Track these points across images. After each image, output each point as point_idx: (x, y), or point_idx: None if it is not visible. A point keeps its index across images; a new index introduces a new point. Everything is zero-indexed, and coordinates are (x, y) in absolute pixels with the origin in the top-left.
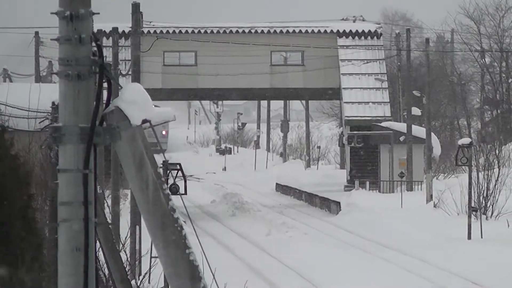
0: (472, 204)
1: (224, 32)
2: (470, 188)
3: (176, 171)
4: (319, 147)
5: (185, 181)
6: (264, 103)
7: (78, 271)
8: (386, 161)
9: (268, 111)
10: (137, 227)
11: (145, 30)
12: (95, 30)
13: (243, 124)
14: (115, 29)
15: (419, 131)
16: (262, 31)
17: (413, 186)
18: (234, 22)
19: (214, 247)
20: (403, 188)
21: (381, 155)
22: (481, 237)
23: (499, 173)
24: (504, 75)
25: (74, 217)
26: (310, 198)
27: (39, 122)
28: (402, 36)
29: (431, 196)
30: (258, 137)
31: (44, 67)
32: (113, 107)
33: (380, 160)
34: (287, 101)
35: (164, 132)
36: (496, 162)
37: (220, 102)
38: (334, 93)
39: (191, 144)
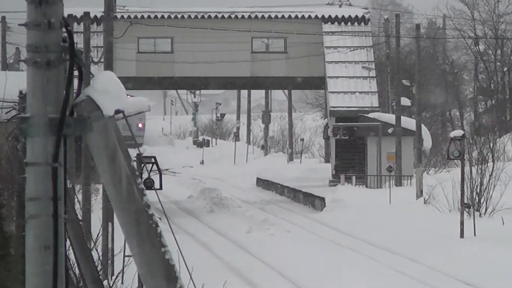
0: (465, 200)
1: (203, 17)
2: (462, 183)
3: (151, 165)
4: (302, 140)
5: (161, 175)
6: (244, 92)
7: (46, 270)
8: (374, 155)
9: (249, 101)
10: (110, 224)
11: (119, 15)
12: (65, 14)
13: (222, 115)
14: (86, 14)
15: (408, 122)
16: (243, 16)
17: (402, 181)
18: (213, 7)
19: (191, 245)
20: (392, 183)
21: (368, 148)
22: (474, 235)
23: (493, 167)
24: (499, 63)
25: (43, 214)
26: (293, 194)
27: (6, 113)
28: (391, 22)
29: (421, 191)
30: (238, 128)
31: (11, 54)
32: (84, 96)
33: (367, 154)
34: (269, 90)
35: (140, 125)
36: (490, 155)
37: (197, 92)
38: (318, 82)
39: (166, 136)
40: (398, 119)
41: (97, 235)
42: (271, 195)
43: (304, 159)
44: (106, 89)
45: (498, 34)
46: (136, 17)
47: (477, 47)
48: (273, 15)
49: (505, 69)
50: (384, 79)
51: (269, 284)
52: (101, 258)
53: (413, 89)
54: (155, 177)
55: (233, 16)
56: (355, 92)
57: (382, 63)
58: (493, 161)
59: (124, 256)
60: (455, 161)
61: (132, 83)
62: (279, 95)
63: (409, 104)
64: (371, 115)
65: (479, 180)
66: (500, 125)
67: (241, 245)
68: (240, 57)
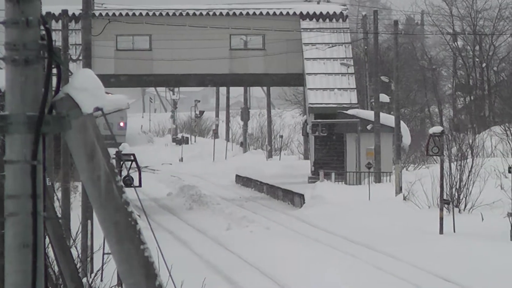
0: (444, 197)
1: (181, 14)
2: (442, 180)
3: (130, 162)
4: (281, 136)
5: (140, 173)
6: (223, 90)
7: (26, 268)
8: (353, 151)
9: (227, 98)
10: (89, 221)
11: (97, 13)
12: (43, 12)
13: (201, 112)
14: (64, 12)
15: (387, 119)
16: (221, 13)
17: (382, 178)
18: (191, 4)
19: (171, 242)
20: (371, 179)
21: (347, 145)
22: (454, 231)
23: (472, 163)
24: (477, 59)
25: (22, 211)
26: (272, 191)
27: None
28: (369, 18)
29: (401, 188)
30: (217, 126)
31: None
32: (63, 94)
33: (346, 150)
34: (248, 87)
35: (122, 124)
36: (470, 151)
37: (176, 89)
38: (297, 79)
39: (146, 133)
40: (377, 116)
41: (77, 233)
42: (250, 192)
43: (283, 156)
44: (84, 87)
45: (477, 30)
46: (114, 14)
47: (455, 43)
48: (251, 12)
49: (484, 65)
50: (363, 76)
51: (249, 281)
52: (80, 255)
53: (391, 85)
54: (134, 175)
55: (211, 13)
56: (334, 88)
57: (360, 59)
58: (472, 157)
59: (104, 253)
60: (434, 157)
61: (110, 80)
62: (258, 92)
63: (388, 100)
64: (350, 111)
65: (458, 176)
66: (479, 121)
67: (220, 242)
68: (219, 54)
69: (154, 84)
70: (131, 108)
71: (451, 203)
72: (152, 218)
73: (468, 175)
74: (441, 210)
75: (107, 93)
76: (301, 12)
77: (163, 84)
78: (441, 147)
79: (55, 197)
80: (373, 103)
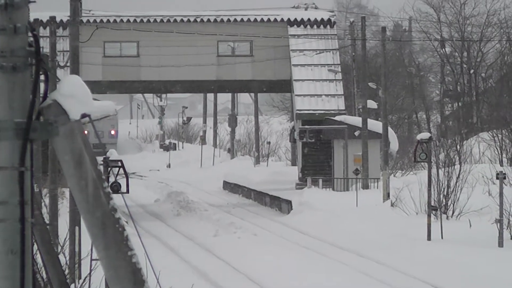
0: (432, 203)
1: (168, 21)
2: (429, 186)
3: (118, 168)
4: (269, 143)
5: (127, 179)
6: (210, 96)
7: (14, 274)
8: (340, 157)
9: (215, 104)
10: (77, 228)
11: (84, 19)
12: (31, 19)
13: (188, 119)
14: (52, 18)
15: (375, 125)
16: (209, 20)
17: (369, 184)
18: (179, 11)
19: (158, 248)
20: (358, 186)
21: (335, 151)
22: (442, 238)
23: (460, 169)
24: (465, 66)
25: (10, 218)
26: (260, 197)
27: None
28: (356, 24)
29: (388, 194)
30: (204, 132)
31: None
32: (51, 100)
33: (334, 156)
34: (235, 94)
35: (113, 132)
36: (457, 158)
37: (163, 96)
38: (284, 85)
39: (133, 140)
40: (364, 122)
41: (64, 239)
42: (238, 198)
43: (271, 162)
44: (72, 93)
45: (465, 36)
46: (102, 21)
47: (443, 49)
48: (238, 19)
49: (472, 71)
50: (350, 82)
51: (236, 287)
52: (68, 261)
53: (379, 91)
54: (122, 181)
55: (198, 20)
56: (321, 95)
57: (348, 66)
58: (460, 163)
59: (91, 259)
60: (422, 163)
61: (98, 87)
62: (245, 98)
63: (376, 106)
64: (337, 118)
65: (446, 183)
66: (467, 128)
67: (208, 248)
68: (206, 60)
69: (142, 91)
70: (119, 115)
71: (438, 209)
72: (139, 224)
73: (456, 182)
74: (429, 216)
75: (94, 99)
76: (288, 19)
77: (151, 91)
78: (428, 153)
79: (43, 203)
80: (360, 109)
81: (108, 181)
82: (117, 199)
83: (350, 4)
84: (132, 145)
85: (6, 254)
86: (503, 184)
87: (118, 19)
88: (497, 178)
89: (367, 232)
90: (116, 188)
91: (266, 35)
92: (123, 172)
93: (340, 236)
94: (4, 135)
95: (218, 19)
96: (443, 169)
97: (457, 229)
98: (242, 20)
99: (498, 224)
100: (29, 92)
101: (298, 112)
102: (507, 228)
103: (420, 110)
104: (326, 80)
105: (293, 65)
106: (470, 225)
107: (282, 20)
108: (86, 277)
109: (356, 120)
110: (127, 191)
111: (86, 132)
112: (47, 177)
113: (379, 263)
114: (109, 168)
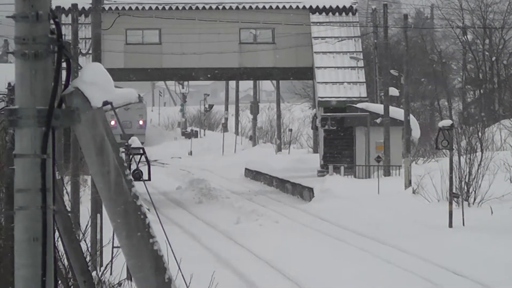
0: (454, 190)
1: (190, 8)
2: (451, 173)
3: (139, 156)
4: (290, 130)
5: (149, 166)
6: (232, 83)
7: (35, 262)
8: (362, 145)
9: (237, 92)
10: (98, 215)
11: (106, 7)
12: (53, 6)
13: (210, 106)
14: (74, 6)
15: (397, 112)
16: (231, 7)
17: (391, 171)
18: None
19: (180, 236)
20: (380, 173)
21: (357, 138)
22: (463, 225)
23: (482, 157)
24: (487, 53)
25: (32, 205)
26: (282, 184)
27: None
28: (378, 12)
29: (410, 181)
30: (226, 119)
31: None
32: (73, 88)
33: (356, 144)
34: (257, 81)
35: (141, 122)
36: (479, 145)
37: (185, 83)
38: (306, 73)
39: (155, 127)
40: (386, 109)
41: (86, 226)
42: (260, 185)
43: (293, 150)
44: (94, 81)
45: (486, 24)
46: (124, 8)
47: (465, 36)
48: (260, 6)
49: (493, 58)
50: (372, 69)
51: (258, 274)
52: (89, 249)
53: (401, 79)
54: (144, 168)
55: (220, 7)
56: (343, 82)
57: (370, 53)
58: (482, 150)
59: (113, 247)
60: (444, 151)
61: (120, 74)
62: (267, 86)
63: (398, 94)
64: (359, 105)
65: (467, 170)
66: (488, 115)
67: (229, 235)
68: (228, 48)
69: (164, 78)
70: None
71: (460, 196)
72: (161, 211)
73: (478, 169)
74: (450, 203)
75: (117, 87)
76: (310, 6)
77: (173, 78)
78: (450, 140)
79: (65, 191)
80: (382, 96)
81: (129, 169)
82: (138, 186)
83: None
84: (156, 133)
85: (28, 242)
86: None
87: (140, 7)
88: None
89: (389, 219)
90: (137, 175)
91: (288, 23)
92: (145, 160)
93: (362, 223)
94: (26, 123)
95: (240, 6)
96: (464, 156)
97: (478, 216)
98: (264, 7)
99: None
100: (51, 80)
101: (320, 99)
102: None
103: (442, 97)
104: (348, 67)
105: (315, 52)
106: (492, 212)
107: (304, 7)
108: (107, 264)
109: (378, 108)
110: (149, 179)
111: (113, 122)
112: (69, 165)
113: (400, 250)
114: (130, 156)
